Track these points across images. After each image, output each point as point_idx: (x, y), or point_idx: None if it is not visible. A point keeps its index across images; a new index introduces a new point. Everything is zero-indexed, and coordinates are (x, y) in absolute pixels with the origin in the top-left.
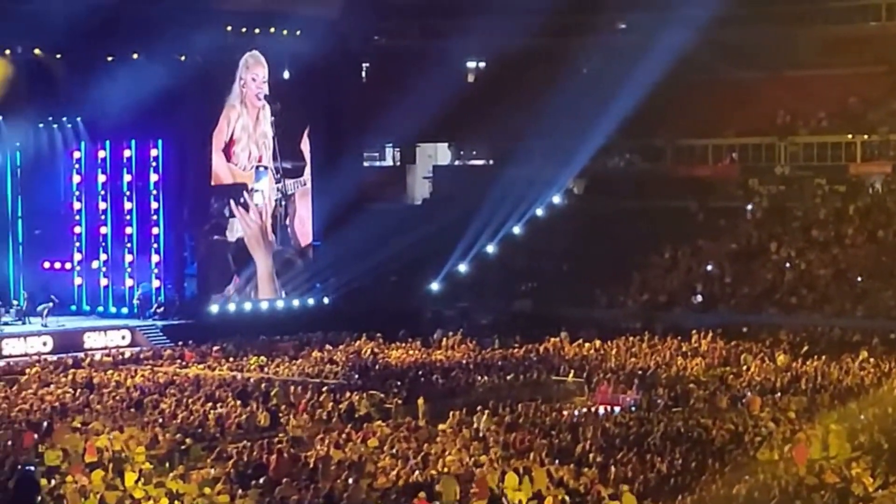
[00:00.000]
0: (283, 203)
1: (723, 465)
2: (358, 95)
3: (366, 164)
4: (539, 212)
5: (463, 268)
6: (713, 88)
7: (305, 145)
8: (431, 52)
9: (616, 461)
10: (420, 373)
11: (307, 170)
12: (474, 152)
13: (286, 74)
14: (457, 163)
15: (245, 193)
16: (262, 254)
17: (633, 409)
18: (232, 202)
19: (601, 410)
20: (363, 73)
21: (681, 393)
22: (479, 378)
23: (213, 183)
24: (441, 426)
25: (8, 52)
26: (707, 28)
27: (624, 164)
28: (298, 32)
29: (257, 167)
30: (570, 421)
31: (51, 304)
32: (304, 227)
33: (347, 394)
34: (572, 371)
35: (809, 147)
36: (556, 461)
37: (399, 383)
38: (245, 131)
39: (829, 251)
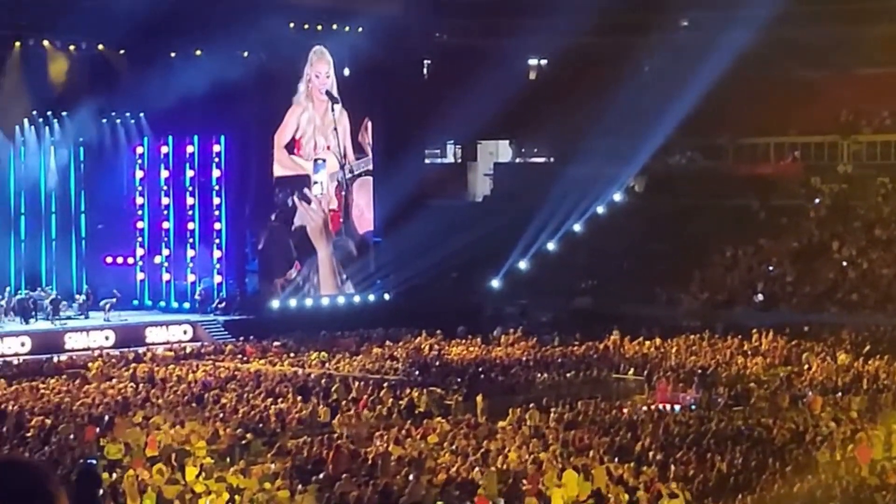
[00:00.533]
0: (344, 194)
1: (783, 465)
2: (420, 93)
3: (427, 161)
4: (600, 209)
5: (523, 265)
6: (775, 86)
7: (365, 139)
8: (493, 50)
9: (676, 460)
10: (480, 370)
11: (367, 163)
12: (535, 150)
13: (346, 72)
14: (518, 160)
15: (307, 185)
16: (323, 243)
17: (693, 407)
18: (295, 193)
19: (661, 409)
20: (425, 71)
21: (741, 392)
22: (539, 375)
23: (276, 174)
24: (500, 423)
25: (72, 47)
26: (770, 26)
27: (685, 161)
28: (361, 29)
29: (318, 160)
30: (629, 419)
31: (113, 299)
32: (363, 218)
33: (407, 390)
34: (632, 369)
35: (872, 145)
36: (616, 459)
37: (459, 380)
38: (311, 124)
39: (892, 250)
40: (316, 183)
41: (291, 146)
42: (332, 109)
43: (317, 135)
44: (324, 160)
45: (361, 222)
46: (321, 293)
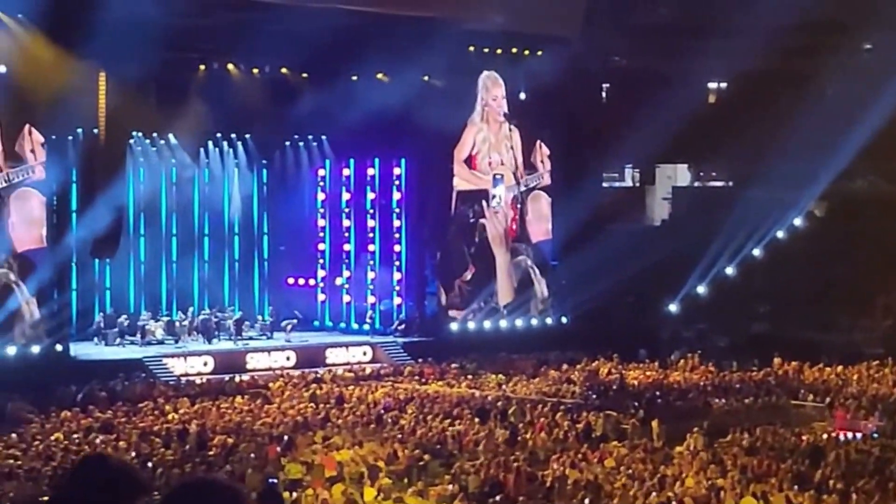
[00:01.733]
0: (520, 207)
1: None
2: (598, 116)
3: (605, 184)
4: (779, 234)
5: (701, 289)
6: None
7: (538, 158)
8: (672, 73)
9: (857, 489)
10: (657, 394)
11: (538, 177)
12: (714, 174)
13: (522, 96)
14: (696, 184)
15: (486, 198)
16: (502, 251)
17: (876, 436)
18: (475, 206)
19: (842, 437)
20: (603, 94)
21: None
22: (717, 401)
23: (457, 188)
24: (677, 448)
25: (255, 70)
26: None
27: (867, 186)
28: (540, 53)
29: (497, 174)
30: (809, 446)
31: (295, 321)
32: (538, 229)
33: (584, 413)
34: (812, 396)
35: None
36: (796, 487)
37: (636, 404)
38: (486, 143)
39: None
40: (494, 196)
41: (469, 162)
42: (507, 129)
43: (491, 152)
44: (501, 175)
45: (536, 233)
46: (499, 302)
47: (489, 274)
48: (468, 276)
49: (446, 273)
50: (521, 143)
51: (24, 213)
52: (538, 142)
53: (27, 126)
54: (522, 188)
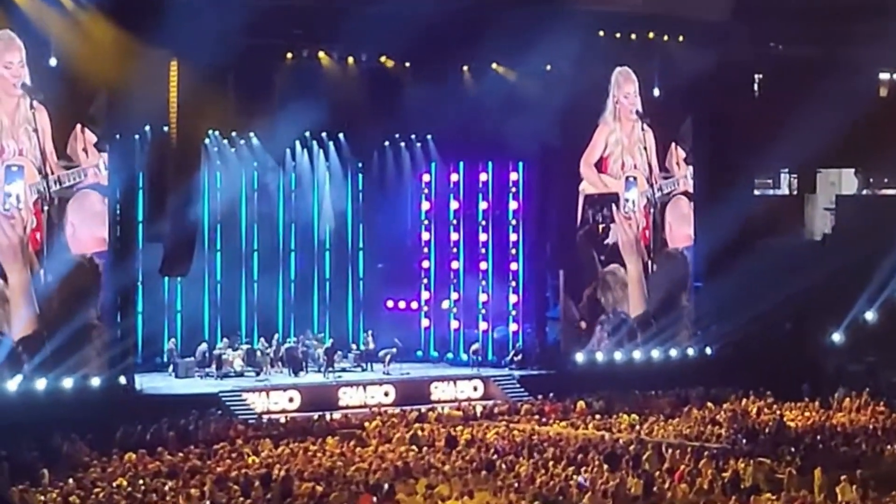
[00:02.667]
0: (654, 212)
1: None
2: (749, 112)
3: (756, 192)
4: None
5: (870, 315)
6: None
7: (673, 161)
8: (837, 62)
9: None
10: (818, 438)
11: (674, 183)
12: (885, 180)
13: (656, 92)
14: (864, 192)
15: (617, 202)
16: (633, 259)
17: None
18: (604, 210)
19: None
20: (755, 86)
21: None
22: (889, 447)
23: (586, 192)
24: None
25: (350, 59)
26: None
27: None
28: (681, 38)
29: (629, 177)
30: None
31: (394, 350)
32: (676, 237)
33: (731, 460)
34: None
35: None
36: None
37: (793, 450)
38: (618, 145)
39: None
40: (627, 201)
41: (599, 165)
42: (640, 129)
43: (624, 154)
44: (634, 178)
45: (674, 242)
46: (629, 312)
47: (618, 285)
48: (595, 288)
49: (571, 293)
50: (654, 144)
51: (84, 218)
52: (673, 143)
53: (78, 125)
54: (657, 193)
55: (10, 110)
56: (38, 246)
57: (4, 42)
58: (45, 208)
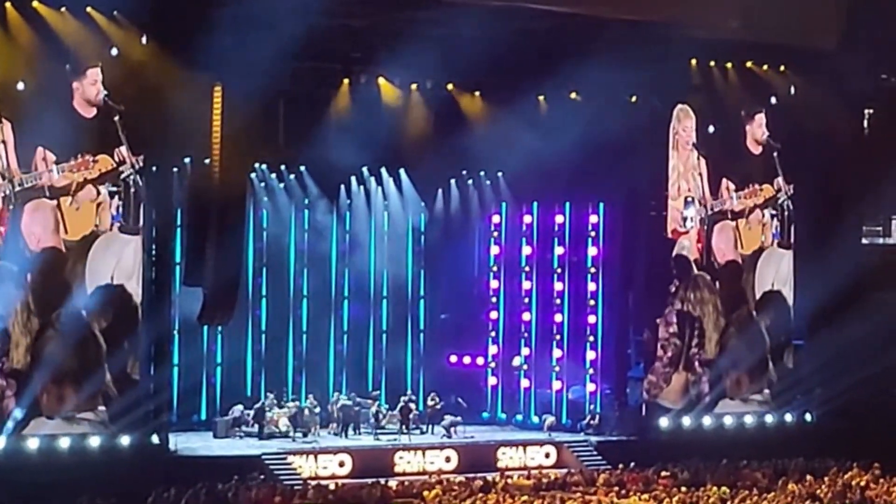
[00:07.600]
0: (706, 231)
1: None
2: (858, 150)
3: (866, 241)
4: None
5: None
6: None
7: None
8: None
9: None
10: None
11: (721, 203)
12: None
13: (711, 129)
14: None
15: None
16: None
17: None
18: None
19: None
20: (865, 122)
21: None
22: None
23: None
24: None
25: (414, 86)
26: None
27: None
28: (782, 68)
29: (689, 198)
30: None
31: (458, 417)
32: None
33: None
34: None
35: None
36: None
37: None
38: (674, 171)
39: None
40: (686, 219)
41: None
42: (697, 157)
43: (680, 180)
44: (693, 198)
45: (720, 258)
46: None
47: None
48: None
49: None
50: (706, 171)
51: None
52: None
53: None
54: (709, 212)
55: None
56: None
57: None
58: None
